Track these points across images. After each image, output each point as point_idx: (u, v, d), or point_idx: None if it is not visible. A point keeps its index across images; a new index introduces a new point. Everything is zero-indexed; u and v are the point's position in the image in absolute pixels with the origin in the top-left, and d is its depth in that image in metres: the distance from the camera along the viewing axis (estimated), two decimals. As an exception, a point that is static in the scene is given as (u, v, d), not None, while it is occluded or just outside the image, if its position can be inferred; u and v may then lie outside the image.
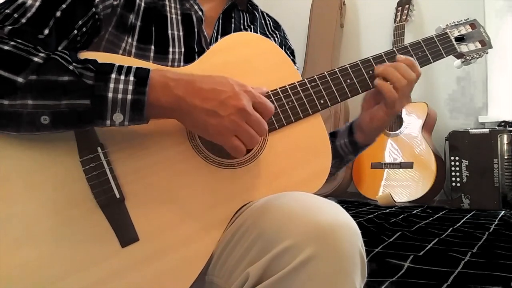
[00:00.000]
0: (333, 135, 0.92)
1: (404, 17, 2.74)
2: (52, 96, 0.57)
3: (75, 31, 0.67)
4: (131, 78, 0.60)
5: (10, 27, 0.60)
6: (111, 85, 0.59)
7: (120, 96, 0.59)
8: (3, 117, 0.57)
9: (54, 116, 0.57)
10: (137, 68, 0.61)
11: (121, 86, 0.59)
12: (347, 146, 0.89)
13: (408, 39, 2.58)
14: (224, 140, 0.63)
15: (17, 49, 0.58)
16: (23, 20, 0.62)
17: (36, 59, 0.58)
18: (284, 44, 0.95)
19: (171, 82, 0.61)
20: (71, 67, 0.59)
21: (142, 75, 0.60)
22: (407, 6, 2.77)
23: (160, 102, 0.61)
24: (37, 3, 0.63)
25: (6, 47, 0.58)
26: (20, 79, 0.56)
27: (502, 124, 2.45)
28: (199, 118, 0.61)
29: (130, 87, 0.59)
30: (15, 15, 0.61)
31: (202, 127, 0.62)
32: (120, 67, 0.61)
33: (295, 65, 0.92)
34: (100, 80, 0.59)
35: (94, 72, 0.59)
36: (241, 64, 0.75)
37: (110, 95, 0.58)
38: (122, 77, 0.59)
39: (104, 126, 0.60)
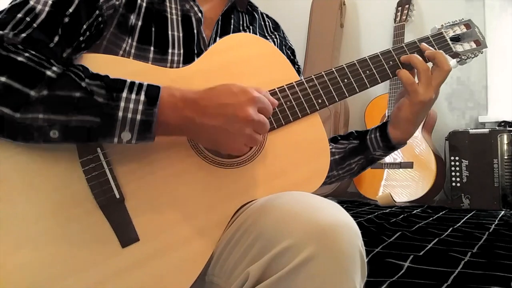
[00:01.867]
0: (366, 132, 0.91)
1: (404, 17, 2.75)
2: (63, 111, 0.57)
3: (81, 38, 0.67)
4: (142, 97, 0.60)
5: (23, 35, 0.60)
6: (122, 104, 0.59)
7: (129, 115, 0.59)
8: (13, 129, 0.57)
9: (64, 131, 0.58)
10: (148, 86, 0.61)
11: (131, 105, 0.59)
12: (378, 140, 0.88)
13: (408, 39, 2.57)
14: (237, 152, 0.65)
15: (30, 61, 0.58)
16: (35, 25, 0.62)
17: (49, 73, 0.58)
18: (284, 44, 0.95)
19: (180, 102, 0.62)
20: (83, 84, 0.59)
21: (152, 95, 0.61)
22: (407, 6, 2.77)
23: (169, 123, 0.61)
24: (47, 8, 0.63)
25: (19, 58, 0.58)
26: (32, 93, 0.57)
27: (502, 124, 2.45)
28: (210, 136, 0.63)
29: (140, 107, 0.60)
30: (27, 19, 0.61)
31: (214, 144, 0.64)
32: (132, 84, 0.61)
33: (296, 64, 0.92)
34: (111, 99, 0.59)
35: (106, 90, 0.59)
36: (239, 65, 0.75)
37: (120, 114, 0.59)
38: (133, 96, 0.60)
39: (111, 143, 0.60)
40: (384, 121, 0.90)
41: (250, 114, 0.62)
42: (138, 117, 0.59)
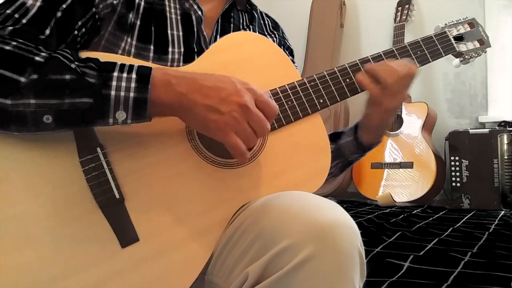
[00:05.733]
0: (338, 135, 0.91)
1: (404, 17, 2.75)
2: (55, 95, 0.57)
3: (75, 32, 0.67)
4: (134, 75, 0.60)
5: (11, 28, 0.60)
6: (114, 83, 0.59)
7: (122, 94, 0.58)
8: (6, 116, 0.57)
9: (57, 115, 0.57)
10: (139, 66, 0.61)
11: (123, 84, 0.59)
12: (351, 144, 0.88)
13: (408, 39, 2.57)
14: (224, 136, 0.62)
15: (18, 49, 0.58)
16: (24, 21, 0.62)
17: (37, 58, 0.58)
18: (283, 44, 0.95)
19: (173, 79, 0.61)
20: (73, 66, 0.59)
21: (144, 73, 0.60)
22: (407, 6, 2.77)
23: (162, 100, 0.60)
24: (38, 3, 0.63)
25: (7, 47, 0.58)
26: (22, 79, 0.56)
27: (502, 124, 2.45)
28: (200, 114, 0.61)
29: (133, 85, 0.59)
30: (16, 15, 0.61)
31: (203, 123, 0.62)
32: (122, 65, 0.61)
33: (294, 64, 0.92)
34: (103, 79, 0.59)
35: (96, 71, 0.59)
36: (240, 63, 0.75)
37: (112, 93, 0.58)
38: (125, 75, 0.59)
39: (107, 125, 0.60)
40: (355, 124, 0.89)
41: (245, 100, 0.60)
42: (131, 95, 0.59)
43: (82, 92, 0.58)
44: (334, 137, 0.91)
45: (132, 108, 0.59)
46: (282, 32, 0.97)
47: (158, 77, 0.61)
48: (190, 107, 0.61)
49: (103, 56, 0.68)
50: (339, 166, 0.92)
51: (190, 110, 0.61)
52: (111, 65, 0.60)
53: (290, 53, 0.95)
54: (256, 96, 0.63)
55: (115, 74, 0.59)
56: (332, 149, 0.88)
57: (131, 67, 0.61)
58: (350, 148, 0.89)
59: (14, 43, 0.58)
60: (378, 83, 0.78)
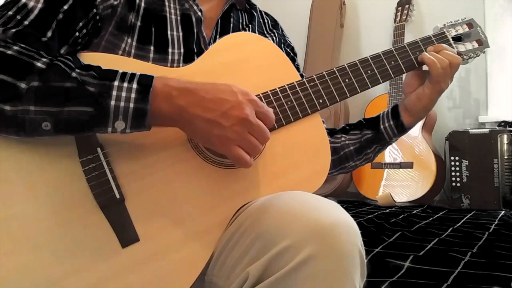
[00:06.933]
0: (377, 121, 0.92)
1: (404, 17, 2.75)
2: (54, 102, 0.57)
3: (77, 33, 0.67)
4: (134, 86, 0.59)
5: (13, 30, 0.60)
6: (114, 93, 0.59)
7: (122, 104, 0.58)
8: (4, 122, 0.56)
9: (56, 122, 0.57)
10: (140, 75, 0.61)
11: (123, 94, 0.59)
12: (393, 128, 0.90)
13: (408, 39, 2.57)
14: (227, 150, 0.62)
15: (20, 53, 0.58)
16: (26, 22, 0.61)
17: (39, 64, 0.58)
18: (283, 42, 0.95)
19: (174, 91, 0.61)
20: (74, 74, 0.59)
21: (145, 83, 0.60)
22: (407, 6, 2.78)
23: (162, 112, 0.60)
24: (40, 5, 0.63)
25: (9, 52, 0.57)
26: (22, 85, 0.56)
27: (502, 124, 2.45)
28: (201, 128, 0.61)
29: (133, 95, 0.59)
30: (18, 17, 0.61)
31: (205, 137, 0.62)
32: (124, 74, 0.60)
33: (296, 61, 0.92)
34: (103, 88, 0.58)
35: (97, 79, 0.59)
36: (240, 64, 0.75)
37: (112, 103, 0.58)
38: (125, 84, 0.59)
39: (105, 133, 0.60)
40: (391, 107, 0.91)
41: (246, 113, 0.61)
42: (131, 105, 0.59)
43: (82, 101, 0.58)
44: (374, 124, 0.92)
45: (131, 118, 0.59)
46: (282, 30, 0.97)
47: (159, 88, 0.60)
48: (190, 121, 0.61)
49: (104, 57, 0.68)
50: (376, 151, 0.94)
51: (191, 123, 0.61)
52: (112, 74, 0.60)
53: (291, 50, 0.95)
54: (257, 107, 0.63)
55: (116, 83, 0.59)
56: (371, 135, 0.91)
57: (132, 76, 0.60)
58: (391, 132, 0.90)
59: (16, 47, 0.58)
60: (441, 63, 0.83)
